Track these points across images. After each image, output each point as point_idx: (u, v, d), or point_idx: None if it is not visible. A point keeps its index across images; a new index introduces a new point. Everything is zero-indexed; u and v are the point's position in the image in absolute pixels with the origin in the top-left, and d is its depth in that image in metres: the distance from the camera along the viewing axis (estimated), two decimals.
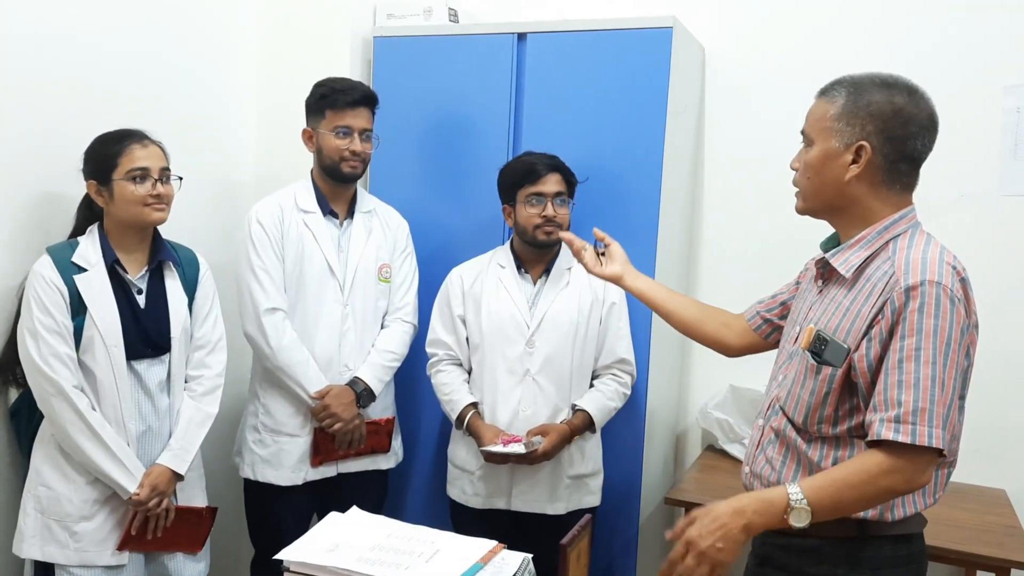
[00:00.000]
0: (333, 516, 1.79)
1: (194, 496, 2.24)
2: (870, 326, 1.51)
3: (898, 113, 1.53)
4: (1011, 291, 2.71)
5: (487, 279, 2.50)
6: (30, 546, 2.02)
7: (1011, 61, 2.68)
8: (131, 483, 2.04)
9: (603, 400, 2.46)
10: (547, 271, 2.49)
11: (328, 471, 2.53)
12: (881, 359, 1.50)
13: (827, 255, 1.64)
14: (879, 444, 1.48)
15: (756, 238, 2.96)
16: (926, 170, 2.76)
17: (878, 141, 1.53)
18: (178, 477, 2.14)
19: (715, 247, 3.05)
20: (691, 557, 1.48)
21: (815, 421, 1.60)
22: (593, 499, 2.52)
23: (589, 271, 2.06)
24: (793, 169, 1.67)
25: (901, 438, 1.44)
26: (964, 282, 1.52)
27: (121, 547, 2.07)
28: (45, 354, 1.97)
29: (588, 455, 2.49)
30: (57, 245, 2.07)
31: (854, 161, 1.55)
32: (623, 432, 2.65)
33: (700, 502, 2.48)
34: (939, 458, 1.48)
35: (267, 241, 2.44)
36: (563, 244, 2.49)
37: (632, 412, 2.64)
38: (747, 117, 2.97)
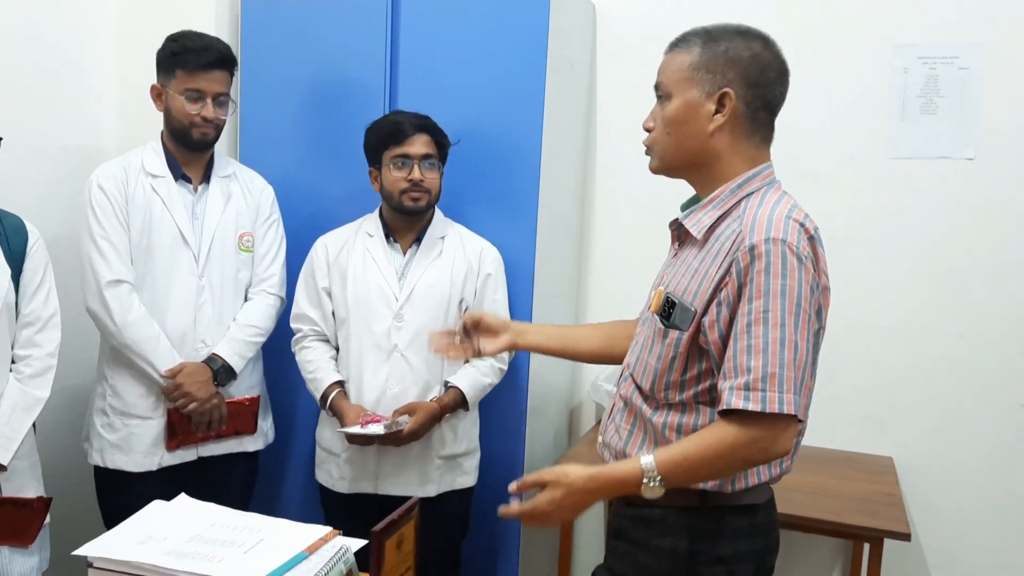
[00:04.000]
0: (156, 504, 1.64)
1: (24, 486, 2.05)
2: (717, 289, 1.44)
3: (756, 59, 1.48)
4: (900, 253, 2.66)
5: (354, 249, 2.35)
6: None
7: (900, 20, 2.61)
8: None
9: (477, 376, 2.34)
10: (418, 240, 2.35)
11: (187, 455, 2.36)
12: (731, 324, 1.41)
13: (681, 216, 1.56)
14: (731, 414, 1.40)
15: (654, 206, 2.84)
16: (816, 133, 2.72)
17: (740, 88, 1.47)
18: (1, 468, 1.95)
19: (609, 216, 2.94)
20: (536, 520, 1.48)
21: (662, 387, 1.53)
22: (468, 479, 2.40)
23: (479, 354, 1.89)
24: (647, 130, 1.58)
25: (751, 406, 1.36)
26: (813, 240, 1.44)
27: None
28: None
29: (462, 434, 2.38)
30: None
31: (717, 111, 1.48)
32: (503, 408, 2.54)
33: None
34: (796, 424, 1.41)
35: (109, 207, 2.24)
36: (435, 211, 2.36)
37: (512, 387, 2.53)
38: (642, 78, 2.85)
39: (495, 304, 2.38)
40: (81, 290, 2.27)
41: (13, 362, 2.03)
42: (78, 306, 2.28)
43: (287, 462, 2.73)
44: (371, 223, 2.37)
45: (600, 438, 1.70)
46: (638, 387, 1.59)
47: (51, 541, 2.16)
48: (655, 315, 1.54)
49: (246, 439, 2.46)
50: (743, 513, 1.53)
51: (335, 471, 2.36)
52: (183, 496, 1.68)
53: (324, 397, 2.30)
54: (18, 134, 2.37)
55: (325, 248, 2.38)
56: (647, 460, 1.41)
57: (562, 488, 1.46)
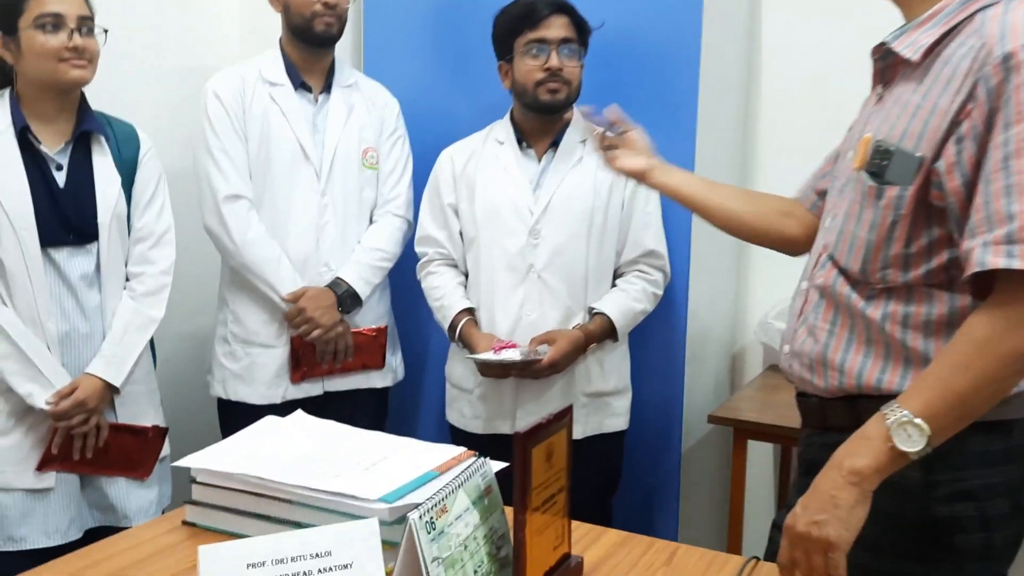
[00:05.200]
0: (269, 419, 1.45)
1: (141, 414, 1.92)
2: (955, 122, 1.09)
3: None
4: None
5: (482, 159, 2.08)
6: None
7: None
8: (43, 391, 1.73)
9: (627, 302, 2.03)
10: (555, 144, 2.05)
11: (312, 389, 2.18)
12: (979, 164, 1.06)
13: (887, 39, 1.20)
14: (984, 285, 1.06)
15: (825, 127, 2.41)
16: None
17: None
18: (113, 390, 1.82)
19: (778, 126, 2.52)
20: (793, 548, 1.10)
21: (877, 266, 1.18)
22: (618, 422, 2.10)
23: (605, 165, 1.62)
24: None
25: (1018, 264, 1.00)
26: None
27: (41, 466, 1.76)
28: None
29: (610, 369, 2.07)
30: None
31: None
32: (658, 343, 2.22)
33: (755, 421, 2.08)
34: None
35: (226, 118, 2.07)
36: (574, 112, 2.06)
37: (669, 318, 2.20)
38: None
39: (647, 217, 2.06)
40: (199, 210, 2.12)
41: (127, 280, 1.90)
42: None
43: (417, 401, 2.52)
44: (501, 129, 2.10)
45: (786, 348, 1.36)
46: (842, 271, 1.24)
47: (172, 477, 2.03)
48: (862, 172, 1.19)
49: (374, 375, 2.25)
50: (993, 432, 1.15)
51: (467, 410, 2.11)
52: (299, 412, 1.47)
53: (453, 326, 2.06)
54: (138, 54, 2.26)
55: (451, 160, 2.12)
56: (898, 414, 1.05)
57: (802, 497, 1.12)
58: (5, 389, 1.73)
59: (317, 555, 1.04)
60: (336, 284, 2.14)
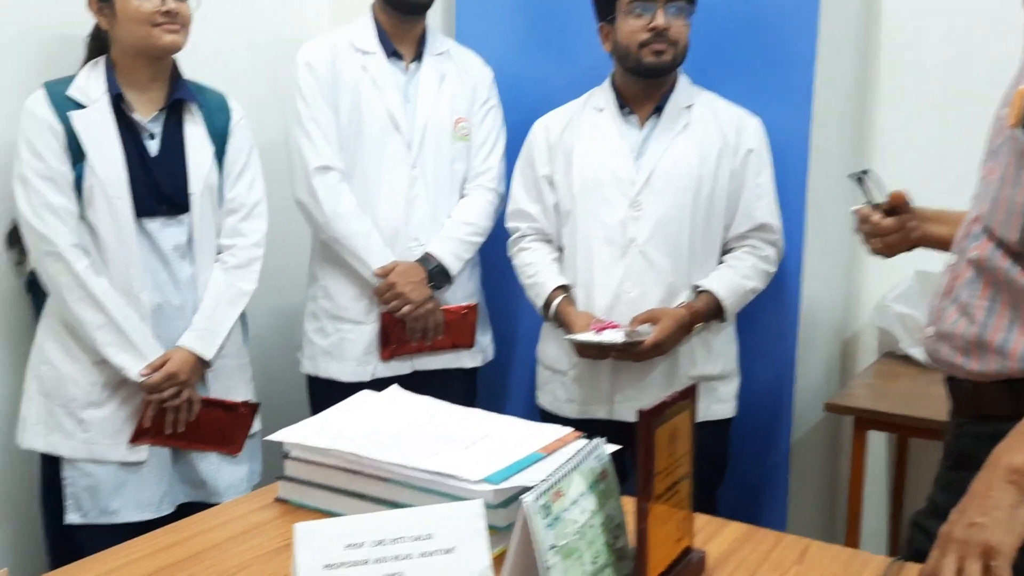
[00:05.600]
0: (364, 394, 1.38)
1: (233, 388, 1.89)
2: None
3: None
4: None
5: (580, 127, 1.96)
6: (33, 435, 1.73)
7: None
8: (137, 363, 1.70)
9: (736, 279, 1.89)
10: (658, 110, 1.92)
11: (401, 367, 2.11)
12: None
13: None
14: None
15: (955, 91, 2.21)
16: None
17: None
18: (204, 363, 1.78)
19: (898, 91, 2.32)
20: (946, 554, 0.96)
21: None
22: (724, 408, 1.96)
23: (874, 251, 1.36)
24: None
25: None
26: None
27: (134, 439, 1.74)
28: (36, 205, 1.64)
29: (717, 351, 1.94)
30: (57, 80, 1.73)
31: None
32: (768, 324, 2.07)
33: (877, 410, 1.91)
34: None
35: (317, 88, 2.01)
36: (680, 76, 1.92)
37: (780, 298, 2.05)
38: None
39: (759, 188, 1.91)
40: (290, 183, 2.07)
41: (219, 253, 1.86)
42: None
43: (506, 383, 2.44)
44: (600, 95, 1.98)
45: (931, 330, 1.21)
46: (1000, 242, 1.10)
47: (263, 455, 1.99)
48: (1018, 129, 1.06)
49: (463, 354, 2.18)
50: None
51: (561, 392, 2.01)
52: (396, 387, 1.40)
53: (547, 304, 1.96)
54: (230, 24, 2.22)
55: (545, 129, 2.01)
56: None
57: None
58: (99, 360, 1.71)
59: (418, 537, 0.96)
60: (426, 259, 2.07)
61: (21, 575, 1.12)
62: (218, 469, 1.85)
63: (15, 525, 1.92)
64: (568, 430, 1.22)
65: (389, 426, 1.25)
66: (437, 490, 1.07)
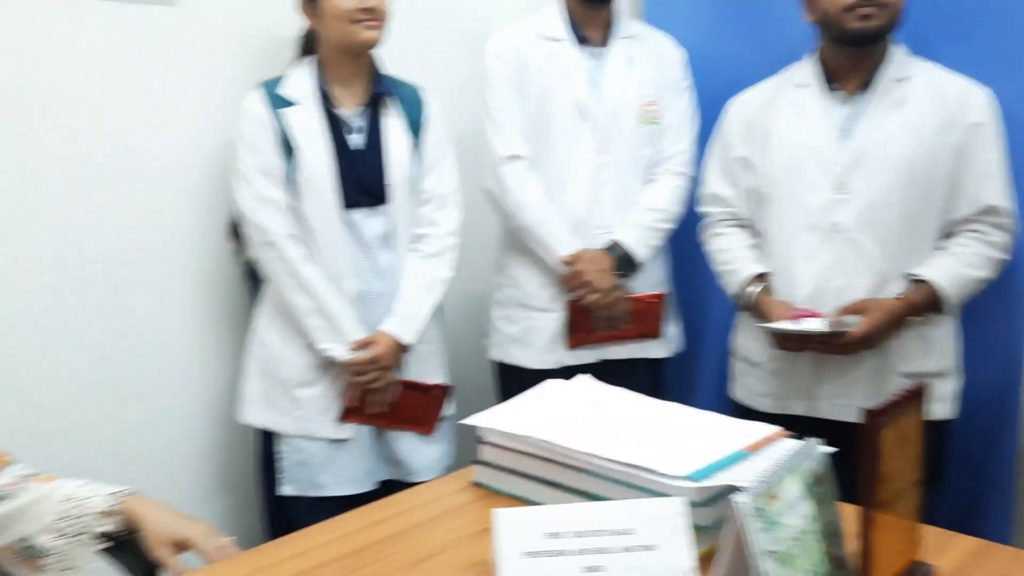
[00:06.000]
0: (552, 383, 1.38)
1: (429, 373, 1.95)
2: None
3: None
4: None
5: (781, 104, 1.85)
6: (251, 411, 1.87)
7: None
8: (343, 347, 1.80)
9: (959, 268, 1.72)
10: (867, 84, 1.78)
11: (588, 356, 2.10)
12: None
13: None
14: None
15: None
16: None
17: None
18: (404, 348, 1.85)
19: None
20: None
21: None
22: (942, 408, 1.80)
23: None
24: None
25: None
26: None
27: (342, 418, 1.84)
28: (253, 198, 1.77)
29: (935, 346, 1.78)
30: (270, 79, 1.85)
31: None
32: (994, 318, 1.87)
33: None
34: None
35: (505, 77, 2.03)
36: (891, 45, 1.77)
37: (1008, 289, 1.85)
38: None
39: (987, 167, 1.73)
40: (477, 171, 2.11)
41: (415, 241, 1.93)
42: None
43: (695, 374, 2.37)
44: (802, 69, 1.85)
45: None
46: None
47: (456, 437, 2.05)
48: None
49: (651, 344, 2.14)
50: None
51: (757, 385, 1.92)
52: (586, 376, 1.39)
53: (742, 292, 1.87)
54: (424, 17, 2.28)
55: (741, 107, 1.92)
56: None
57: None
58: (310, 343, 1.82)
59: (619, 532, 0.94)
60: (613, 247, 2.04)
61: (239, 542, 1.21)
62: (414, 449, 1.92)
63: (235, 495, 2.10)
64: (774, 428, 1.16)
65: (582, 415, 1.24)
66: (636, 484, 1.05)
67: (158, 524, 1.19)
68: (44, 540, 1.19)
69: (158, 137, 1.89)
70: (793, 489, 0.86)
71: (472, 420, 1.23)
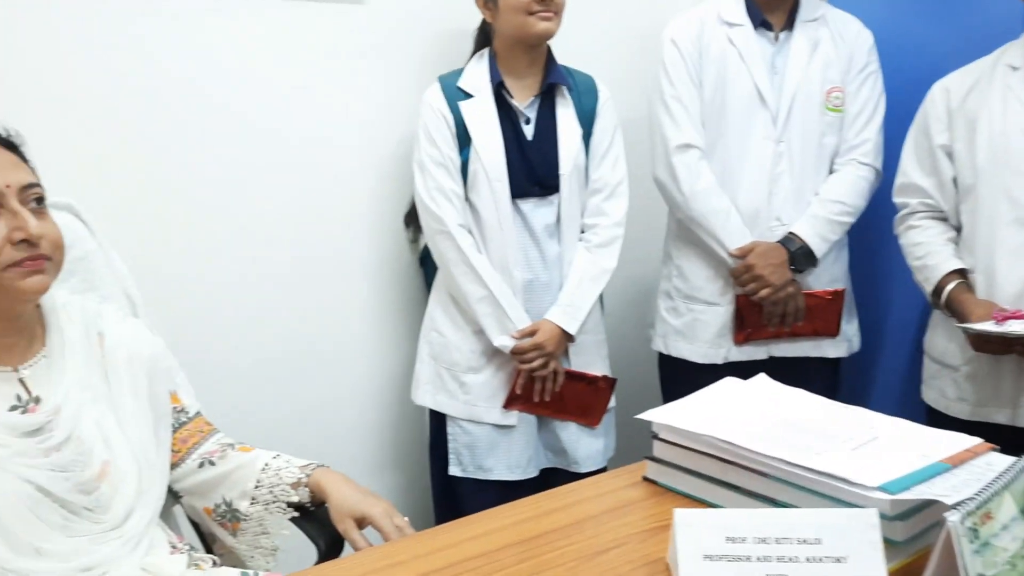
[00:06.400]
0: (729, 381, 1.34)
1: (592, 363, 1.96)
2: None
3: None
4: None
5: (989, 89, 1.70)
6: (423, 393, 1.94)
7: None
8: (510, 335, 1.83)
9: None
10: None
11: (756, 352, 2.03)
12: None
13: None
14: None
15: None
16: None
17: None
18: (568, 337, 1.86)
19: None
20: None
21: None
22: None
23: None
24: None
25: None
26: None
27: (507, 405, 1.88)
28: (431, 188, 1.82)
29: None
30: (449, 73, 1.90)
31: None
32: None
33: None
34: None
35: (681, 64, 1.98)
36: None
37: None
38: None
39: None
40: (650, 162, 2.07)
41: (582, 231, 1.93)
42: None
43: (875, 376, 2.23)
44: (1018, 49, 1.70)
45: None
46: None
47: (617, 429, 2.05)
48: None
49: (825, 342, 2.04)
50: None
51: (951, 389, 1.78)
52: (762, 376, 1.34)
53: (938, 290, 1.74)
54: (595, 5, 2.27)
55: (945, 92, 1.78)
56: None
57: None
58: (479, 329, 1.87)
59: (805, 541, 0.90)
60: (789, 240, 1.95)
61: (411, 519, 1.26)
62: (577, 439, 1.93)
63: (406, 471, 2.19)
64: (976, 440, 1.08)
65: (761, 416, 1.20)
66: (823, 493, 1.00)
67: (343, 499, 1.25)
68: (243, 505, 1.28)
69: (343, 129, 1.99)
70: (1009, 510, 0.79)
71: (647, 415, 1.21)
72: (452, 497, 1.94)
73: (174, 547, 1.21)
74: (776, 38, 1.98)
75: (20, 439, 1.09)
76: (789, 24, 1.98)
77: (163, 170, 1.78)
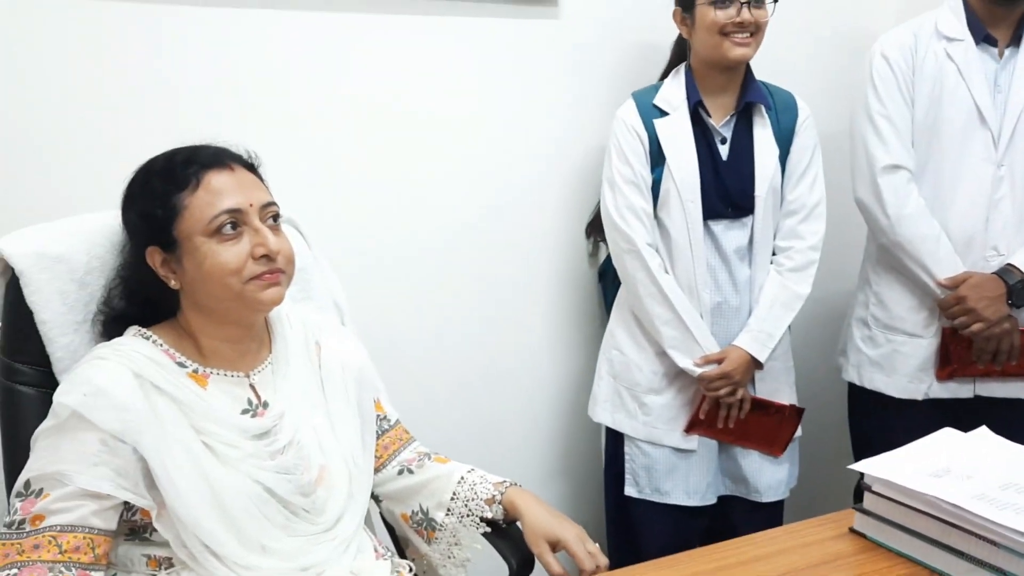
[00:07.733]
0: (947, 433, 1.26)
1: (779, 391, 1.88)
2: None
3: None
4: None
5: None
6: (602, 411, 1.93)
7: None
8: (695, 359, 1.79)
9: None
10: None
11: (961, 390, 1.89)
12: None
13: None
14: None
15: None
16: None
17: None
18: (757, 365, 1.80)
19: None
20: None
21: None
22: None
23: None
24: None
25: None
26: None
27: (688, 429, 1.84)
28: (620, 206, 1.81)
29: None
30: (643, 89, 1.88)
31: None
32: None
33: None
34: None
35: (892, 80, 1.87)
36: None
37: None
38: None
39: None
40: (851, 179, 1.97)
41: (774, 254, 1.86)
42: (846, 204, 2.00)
43: None
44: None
45: None
46: None
47: (800, 457, 1.97)
48: None
49: None
50: None
51: None
52: (984, 429, 1.25)
53: None
54: (795, 21, 2.18)
55: None
56: None
57: None
58: (662, 351, 1.84)
59: None
60: (1007, 272, 1.80)
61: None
62: (760, 468, 1.87)
63: (577, 484, 2.20)
64: None
65: (987, 475, 1.12)
66: None
67: (537, 520, 1.27)
68: (439, 515, 1.33)
69: (532, 140, 2.01)
70: None
71: (859, 466, 1.16)
72: (626, 516, 1.93)
73: (377, 552, 1.27)
74: (1000, 54, 1.83)
75: (250, 441, 1.17)
76: (1016, 40, 1.82)
77: (366, 185, 1.85)
